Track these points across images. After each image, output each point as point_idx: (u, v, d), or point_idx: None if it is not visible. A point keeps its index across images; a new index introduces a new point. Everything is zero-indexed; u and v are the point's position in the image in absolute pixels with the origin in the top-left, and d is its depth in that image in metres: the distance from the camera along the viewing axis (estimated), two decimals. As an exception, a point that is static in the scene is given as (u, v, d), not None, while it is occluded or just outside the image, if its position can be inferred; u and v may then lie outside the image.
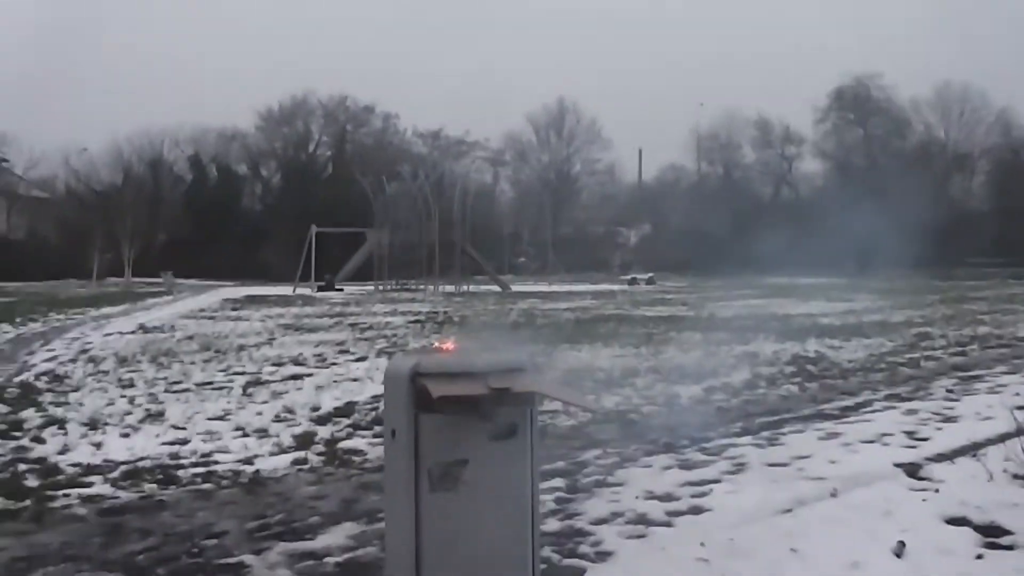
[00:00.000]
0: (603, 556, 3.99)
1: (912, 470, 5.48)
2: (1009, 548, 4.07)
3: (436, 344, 3.06)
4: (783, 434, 6.72)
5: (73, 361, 12.13)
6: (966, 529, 4.30)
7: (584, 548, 4.10)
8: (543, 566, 3.62)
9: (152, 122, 67.19)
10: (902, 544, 4.02)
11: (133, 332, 17.05)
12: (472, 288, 40.50)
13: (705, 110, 75.71)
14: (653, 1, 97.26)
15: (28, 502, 5.06)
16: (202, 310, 24.93)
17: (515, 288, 40.96)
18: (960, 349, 12.87)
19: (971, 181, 68.93)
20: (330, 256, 45.18)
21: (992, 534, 4.22)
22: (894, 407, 7.89)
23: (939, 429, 6.79)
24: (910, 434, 6.60)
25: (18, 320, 20.22)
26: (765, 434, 6.72)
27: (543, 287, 42.77)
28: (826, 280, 36.75)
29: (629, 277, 49.46)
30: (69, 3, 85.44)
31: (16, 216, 62.43)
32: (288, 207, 60.90)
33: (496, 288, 40.95)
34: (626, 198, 77.23)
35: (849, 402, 8.29)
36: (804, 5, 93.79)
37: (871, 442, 6.33)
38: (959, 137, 68.24)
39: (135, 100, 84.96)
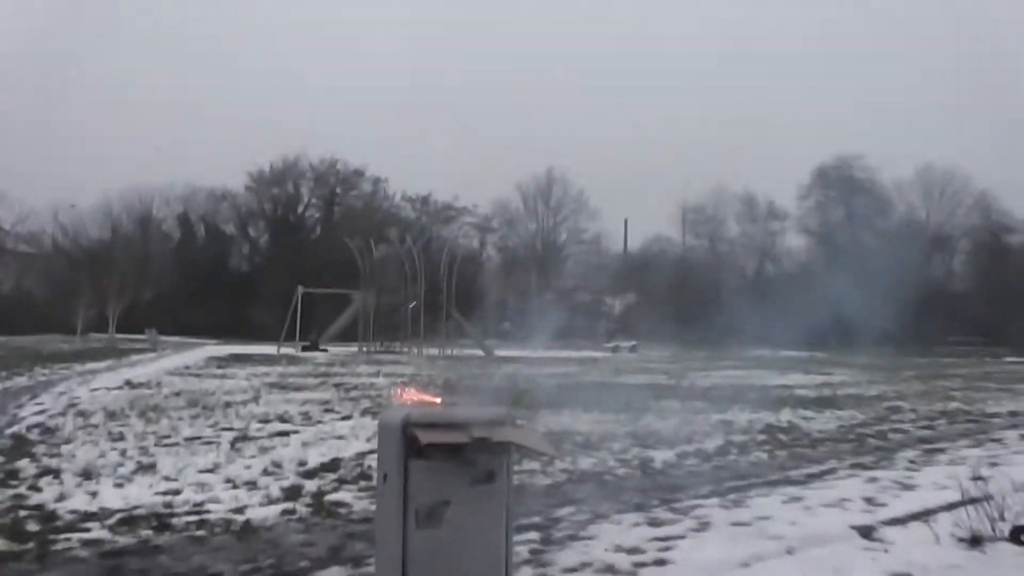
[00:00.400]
0: (572, 601, 4.32)
1: (866, 532, 5.84)
2: (945, 602, 4.43)
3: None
4: (749, 497, 7.06)
5: (62, 415, 12.35)
6: (908, 586, 4.66)
7: (555, 594, 4.43)
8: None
9: (142, 180, 67.89)
10: (848, 597, 4.38)
11: (120, 388, 17.26)
12: (456, 352, 40.78)
13: (692, 183, 77.26)
14: (640, 76, 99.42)
15: (31, 545, 5.35)
16: (187, 367, 25.11)
17: (499, 353, 41.23)
18: (928, 423, 13.26)
19: (952, 261, 70.26)
20: (316, 316, 45.48)
21: (932, 591, 4.58)
22: (857, 475, 8.26)
23: (897, 496, 7.15)
24: (869, 500, 6.96)
25: (3, 374, 20.36)
26: (732, 496, 7.06)
27: (527, 352, 43.07)
28: (807, 354, 37.33)
29: (612, 345, 49.85)
30: (61, 61, 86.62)
31: (2, 270, 62.59)
32: (276, 267, 61.35)
33: (480, 352, 41.23)
34: (612, 267, 78.05)
35: (815, 469, 8.65)
36: (791, 85, 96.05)
37: (831, 506, 6.69)
38: (940, 218, 69.79)
39: (126, 158, 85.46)
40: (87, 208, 63.62)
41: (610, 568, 4.88)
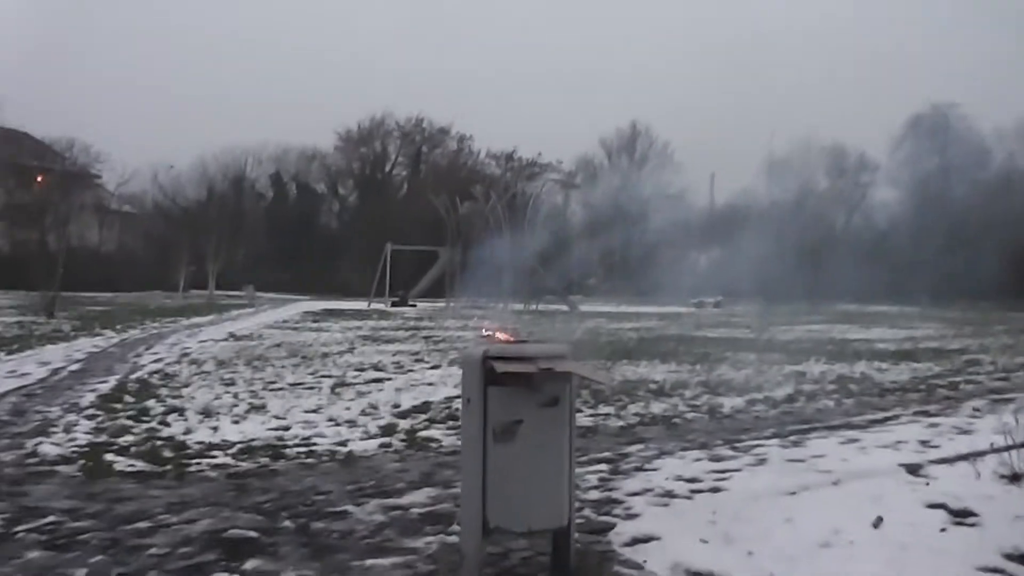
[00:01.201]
0: (631, 517, 4.96)
1: (913, 469, 6.29)
2: (971, 525, 4.91)
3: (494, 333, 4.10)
4: (808, 439, 7.56)
5: (177, 363, 13.48)
6: (940, 511, 5.14)
7: (617, 511, 5.07)
8: (580, 520, 4.63)
9: (236, 141, 70.13)
10: (880, 518, 4.90)
11: (225, 339, 18.48)
12: (541, 307, 41.53)
13: (779, 137, 75.84)
14: (729, 29, 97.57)
15: (169, 467, 6.23)
16: (284, 321, 26.43)
17: (583, 308, 41.83)
18: (1004, 375, 13.41)
19: (1055, 211, 67.66)
20: (404, 273, 46.73)
21: (961, 515, 5.06)
22: (918, 421, 8.65)
23: (951, 440, 7.54)
24: (924, 443, 7.38)
25: (118, 327, 21.86)
26: (792, 438, 7.57)
27: (611, 308, 43.56)
28: (897, 309, 36.90)
29: (696, 300, 49.85)
30: (160, 31, 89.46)
31: (107, 230, 65.53)
32: (364, 225, 62.88)
33: (565, 308, 41.88)
34: (697, 222, 77.52)
35: (878, 416, 9.06)
36: (881, 33, 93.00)
37: (885, 447, 7.14)
38: (1044, 167, 67.16)
39: (221, 120, 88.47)
40: (184, 169, 66.08)
41: (669, 493, 5.49)
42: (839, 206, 72.39)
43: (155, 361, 13.67)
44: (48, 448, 6.69)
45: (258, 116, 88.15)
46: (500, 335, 4.10)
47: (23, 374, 11.58)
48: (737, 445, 7.19)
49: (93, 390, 10.14)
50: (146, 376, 11.57)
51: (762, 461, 6.54)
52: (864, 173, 72.09)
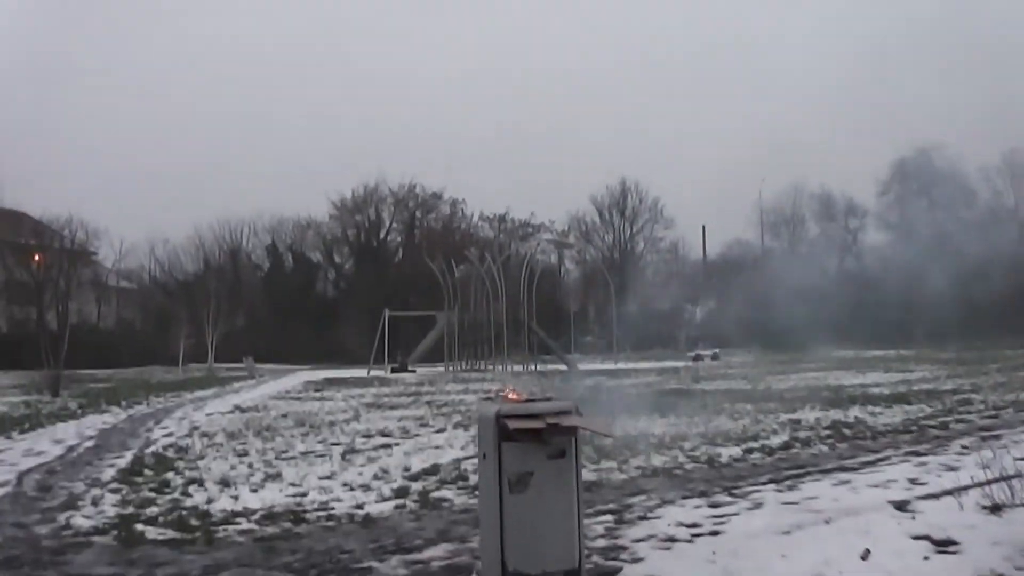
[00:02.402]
0: (637, 560, 5.33)
1: (900, 505, 6.68)
2: (953, 553, 5.29)
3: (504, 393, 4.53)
4: (802, 483, 7.95)
5: (188, 436, 13.79)
6: (925, 542, 5.52)
7: (623, 556, 5.45)
8: (590, 566, 5.00)
9: (231, 213, 71.00)
10: (868, 550, 5.27)
11: (231, 411, 18.78)
12: (540, 367, 41.86)
13: (768, 185, 76.89)
14: (710, 79, 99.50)
15: (197, 534, 6.57)
16: (287, 391, 26.73)
17: (582, 366, 42.16)
18: (994, 412, 13.80)
19: (1046, 246, 68.40)
20: (403, 338, 47.11)
21: (944, 544, 5.44)
22: (908, 461, 9.05)
23: (939, 477, 7.93)
24: (912, 480, 7.77)
25: (123, 403, 22.13)
26: (787, 483, 7.96)
27: (609, 365, 43.89)
28: (893, 352, 37.34)
29: (694, 353, 50.21)
30: (152, 105, 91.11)
31: (105, 306, 65.98)
32: (361, 291, 63.46)
33: (563, 366, 42.21)
34: (691, 274, 78.23)
35: (870, 458, 9.45)
36: (861, 79, 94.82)
37: (875, 486, 7.53)
38: (1031, 203, 68.03)
39: (215, 193, 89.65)
40: (181, 242, 66.87)
41: (671, 538, 5.87)
42: (831, 251, 73.20)
43: (166, 435, 13.99)
44: (80, 520, 7.04)
45: (252, 187, 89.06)
46: (511, 395, 4.53)
47: (40, 452, 11.90)
48: (735, 491, 7.55)
49: (112, 465, 10.47)
50: (160, 450, 11.89)
51: (758, 505, 6.91)
52: (853, 218, 73.08)
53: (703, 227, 75.53)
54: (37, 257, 52.80)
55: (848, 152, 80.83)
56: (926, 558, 5.20)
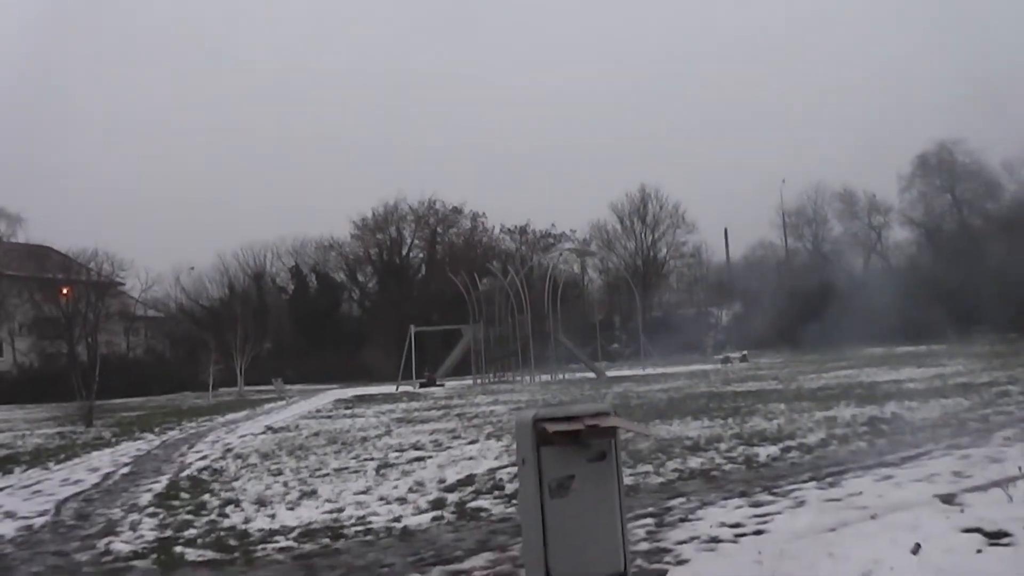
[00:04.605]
0: (682, 562, 5.25)
1: (947, 498, 6.54)
2: (1006, 545, 5.16)
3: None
4: (844, 479, 7.81)
5: (223, 458, 13.81)
6: (976, 535, 5.39)
7: (667, 558, 5.36)
8: (634, 570, 4.92)
9: (254, 238, 71.51)
10: (918, 545, 5.16)
11: (263, 432, 18.81)
12: (567, 376, 41.71)
13: (789, 186, 76.51)
14: (728, 85, 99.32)
15: (237, 554, 6.55)
16: (318, 410, 26.76)
17: (609, 374, 41.95)
18: (1035, 403, 13.55)
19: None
20: (429, 353, 47.12)
21: (996, 537, 5.31)
22: (950, 454, 8.87)
23: (984, 469, 7.76)
24: (957, 473, 7.61)
25: (156, 429, 22.24)
26: (828, 480, 7.82)
27: (637, 371, 43.65)
28: (924, 348, 36.91)
29: (722, 356, 49.85)
30: (173, 138, 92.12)
31: (133, 335, 66.56)
32: (385, 309, 63.60)
33: (591, 375, 42.04)
34: (715, 278, 77.84)
35: (911, 452, 9.28)
36: (881, 74, 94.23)
37: (919, 480, 7.38)
38: (1057, 194, 67.08)
39: (237, 219, 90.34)
40: (206, 269, 67.38)
41: (714, 539, 5.77)
42: (856, 249, 72.41)
43: (201, 459, 14.01)
44: (120, 546, 7.04)
45: (274, 211, 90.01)
46: None
47: (77, 481, 11.95)
48: (776, 491, 7.44)
49: (148, 490, 10.49)
50: (195, 473, 11.91)
51: (801, 503, 6.79)
52: (876, 215, 72.35)
53: (725, 230, 75.27)
54: (65, 291, 53.26)
55: (868, 148, 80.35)
56: (979, 551, 5.07)
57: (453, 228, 75.36)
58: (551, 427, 3.97)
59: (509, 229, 74.61)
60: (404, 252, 74.37)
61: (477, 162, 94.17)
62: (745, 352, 49.79)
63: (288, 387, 47.92)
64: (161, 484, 10.96)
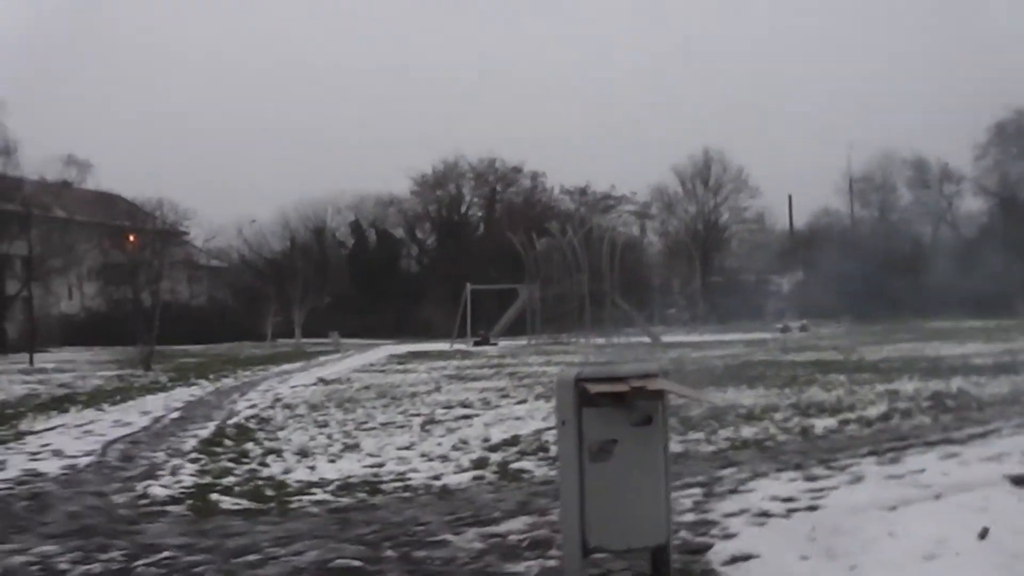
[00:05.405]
0: (729, 536, 4.96)
1: (1019, 480, 6.12)
2: (1082, 532, 4.77)
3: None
4: (906, 455, 7.40)
5: (271, 407, 13.86)
6: (1050, 520, 5.00)
7: (714, 531, 5.08)
8: (678, 542, 4.65)
9: (315, 192, 71.97)
10: (986, 529, 4.79)
11: (315, 384, 18.90)
12: (623, 340, 41.33)
13: (858, 152, 74.36)
14: (798, 45, 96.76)
15: (272, 504, 6.44)
16: (371, 364, 26.89)
17: (665, 339, 41.48)
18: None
19: None
20: (485, 312, 47.08)
21: (1071, 523, 4.92)
22: (1021, 433, 8.39)
23: (1058, 449, 7.31)
24: (1028, 454, 7.17)
25: (211, 376, 22.53)
26: (889, 455, 7.42)
27: (694, 337, 43.09)
28: (993, 322, 35.72)
29: (781, 325, 48.97)
30: (236, 93, 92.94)
31: (196, 284, 67.72)
32: (443, 266, 63.74)
33: (646, 339, 41.60)
34: (777, 245, 76.35)
35: (979, 430, 8.81)
36: (954, 39, 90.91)
37: (988, 460, 6.94)
38: None
39: (299, 173, 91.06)
40: (267, 222, 68.02)
41: (765, 513, 5.47)
42: (925, 219, 70.40)
43: (250, 407, 14.08)
44: (157, 490, 6.99)
45: (335, 166, 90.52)
46: None
47: (127, 423, 12.06)
48: (832, 464, 7.08)
49: (194, 436, 10.52)
50: (243, 421, 11.94)
51: (859, 479, 6.44)
52: (948, 184, 70.10)
53: (789, 196, 73.54)
54: (131, 238, 54.25)
55: (943, 114, 77.78)
56: (1053, 537, 4.70)
57: (512, 187, 74.97)
58: (594, 387, 3.69)
59: (568, 190, 73.93)
60: (463, 210, 74.28)
61: (536, 122, 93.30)
62: (805, 322, 48.87)
63: (344, 341, 48.41)
64: (208, 430, 10.99)
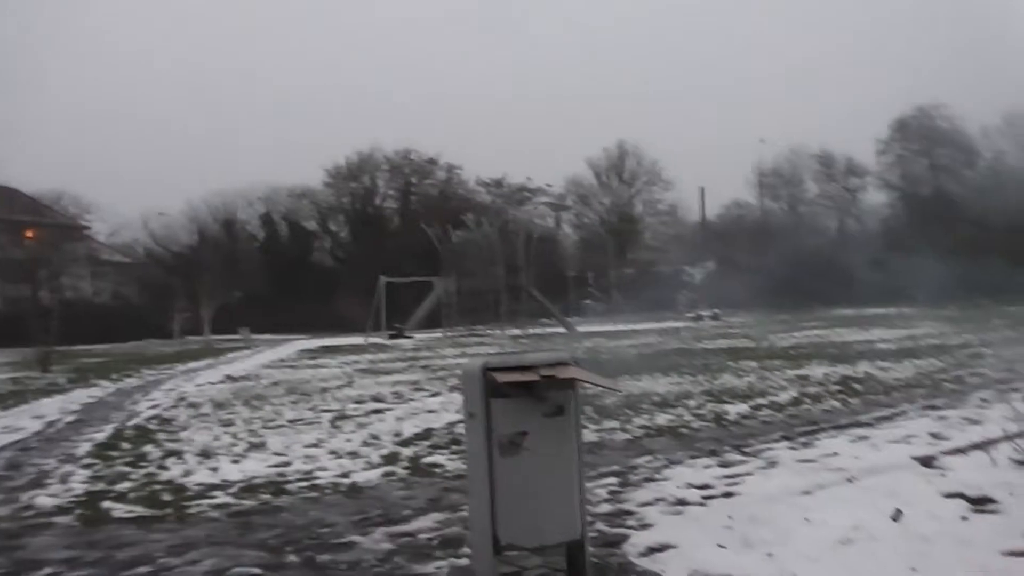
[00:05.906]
0: (645, 527, 4.85)
1: (926, 461, 6.19)
2: (992, 512, 4.80)
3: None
4: (818, 440, 7.46)
5: (175, 407, 13.30)
6: (959, 501, 5.03)
7: (630, 522, 4.96)
8: (594, 534, 4.50)
9: (226, 184, 70.14)
10: (899, 511, 4.78)
11: (222, 381, 18.29)
12: (539, 331, 41.35)
13: (767, 146, 75.87)
14: (708, 41, 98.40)
15: (169, 510, 6.09)
16: (282, 360, 26.25)
17: (581, 329, 41.65)
18: (1008, 366, 13.30)
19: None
20: (400, 305, 46.58)
21: (981, 503, 4.95)
22: (926, 415, 8.55)
23: (962, 431, 7.44)
24: (934, 435, 7.28)
25: (114, 376, 21.65)
26: (801, 440, 7.47)
27: (609, 327, 43.38)
28: (895, 310, 36.87)
29: (694, 314, 49.74)
30: (143, 76, 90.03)
31: (99, 281, 65.38)
32: (357, 259, 62.79)
33: (562, 330, 41.73)
34: (690, 237, 77.53)
35: (886, 413, 8.97)
36: (860, 37, 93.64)
37: (896, 442, 7.04)
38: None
39: (209, 164, 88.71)
40: (176, 215, 66.09)
41: (681, 501, 5.38)
42: (831, 212, 72.44)
43: (152, 407, 13.50)
44: (44, 500, 6.54)
45: (246, 157, 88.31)
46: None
47: (18, 429, 11.39)
48: (746, 450, 7.08)
49: (89, 440, 9.98)
50: (143, 422, 11.40)
51: (773, 464, 6.43)
52: (853, 178, 72.24)
53: (701, 189, 74.72)
54: (30, 233, 52.03)
55: (848, 110, 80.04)
56: (964, 518, 4.71)
57: (428, 179, 74.36)
58: (502, 377, 3.50)
59: (485, 182, 73.71)
60: (377, 202, 73.36)
61: (452, 114, 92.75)
62: (717, 311, 49.74)
63: (255, 336, 47.35)
64: (105, 433, 10.44)
